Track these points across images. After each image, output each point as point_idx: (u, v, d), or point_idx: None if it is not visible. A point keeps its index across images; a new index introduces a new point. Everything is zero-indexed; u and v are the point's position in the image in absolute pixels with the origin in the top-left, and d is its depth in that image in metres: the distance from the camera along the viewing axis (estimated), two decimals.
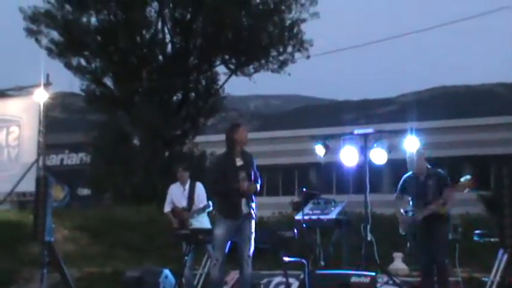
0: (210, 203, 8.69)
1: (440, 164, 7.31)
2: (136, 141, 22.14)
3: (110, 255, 12.96)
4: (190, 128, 22.17)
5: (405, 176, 7.46)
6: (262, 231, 7.27)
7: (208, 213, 8.87)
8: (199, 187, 8.85)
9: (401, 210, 7.40)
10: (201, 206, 8.73)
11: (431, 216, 7.15)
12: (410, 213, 7.34)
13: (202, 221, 8.76)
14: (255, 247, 6.91)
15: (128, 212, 15.94)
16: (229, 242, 6.61)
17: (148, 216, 14.97)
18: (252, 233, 6.51)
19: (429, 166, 7.35)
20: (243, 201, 6.53)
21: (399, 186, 7.49)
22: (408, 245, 7.49)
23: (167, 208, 8.92)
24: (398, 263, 10.50)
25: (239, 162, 6.54)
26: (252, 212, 6.56)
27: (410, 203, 7.45)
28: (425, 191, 7.25)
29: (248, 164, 6.57)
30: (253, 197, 6.61)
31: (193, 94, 22.39)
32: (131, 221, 14.88)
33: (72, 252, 12.59)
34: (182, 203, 8.80)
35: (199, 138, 22.83)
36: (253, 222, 6.57)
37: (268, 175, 30.33)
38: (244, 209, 6.53)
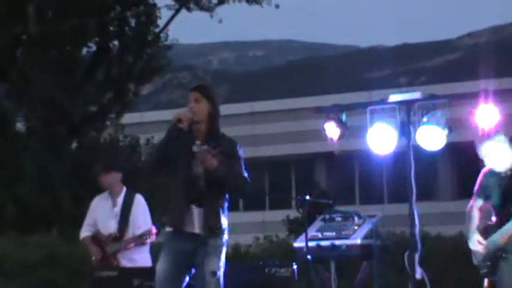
0: (154, 228, 8.80)
1: None
2: (21, 127, 22.09)
3: None
4: (112, 100, 22.19)
5: (485, 170, 7.46)
6: (244, 269, 7.22)
7: (151, 245, 8.95)
8: (139, 202, 8.99)
9: (476, 222, 7.40)
10: (139, 232, 8.83)
11: None
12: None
13: (136, 259, 8.86)
14: None
15: (9, 245, 15.94)
16: (183, 282, 6.69)
17: (45, 251, 15.06)
18: (215, 270, 6.56)
19: None
20: (196, 210, 6.62)
21: (478, 185, 7.49)
22: (485, 283, 7.55)
23: (85, 232, 9.05)
24: None
25: (198, 147, 6.63)
26: (219, 234, 6.64)
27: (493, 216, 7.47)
28: None
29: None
30: (222, 207, 6.69)
31: (116, 43, 22.39)
32: (16, 260, 14.90)
33: None
34: (110, 226, 8.92)
35: (128, 118, 22.79)
36: (219, 249, 6.65)
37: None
38: (199, 225, 6.61)
